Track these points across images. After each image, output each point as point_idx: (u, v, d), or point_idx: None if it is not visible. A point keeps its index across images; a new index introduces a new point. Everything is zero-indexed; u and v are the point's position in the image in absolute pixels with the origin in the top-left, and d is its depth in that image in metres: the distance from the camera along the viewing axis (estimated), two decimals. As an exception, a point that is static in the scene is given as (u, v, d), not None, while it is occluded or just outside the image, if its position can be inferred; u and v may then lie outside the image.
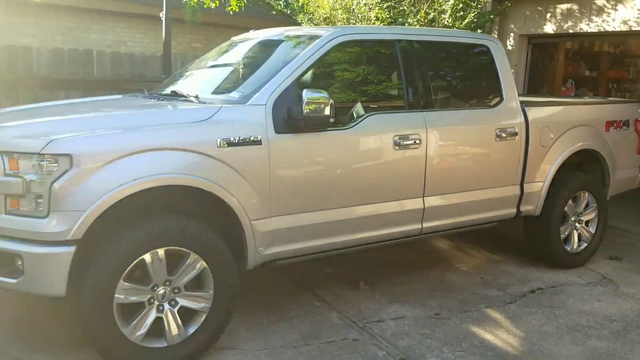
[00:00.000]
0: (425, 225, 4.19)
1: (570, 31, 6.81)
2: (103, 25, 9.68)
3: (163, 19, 6.08)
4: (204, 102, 3.63)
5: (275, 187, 3.46)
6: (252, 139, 3.37)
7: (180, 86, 4.22)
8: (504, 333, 3.85)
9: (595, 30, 6.54)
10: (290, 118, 3.48)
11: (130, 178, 2.99)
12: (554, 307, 4.30)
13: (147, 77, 6.50)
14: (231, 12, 9.10)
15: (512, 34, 7.53)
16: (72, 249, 2.91)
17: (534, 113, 4.76)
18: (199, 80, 4.40)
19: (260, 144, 3.39)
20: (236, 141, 3.31)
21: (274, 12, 8.73)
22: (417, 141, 4.01)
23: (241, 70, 4.14)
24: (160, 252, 3.10)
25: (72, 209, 2.88)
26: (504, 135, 4.49)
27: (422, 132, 4.04)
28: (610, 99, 6.49)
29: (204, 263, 3.23)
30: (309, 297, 4.32)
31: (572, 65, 8.97)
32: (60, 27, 9.40)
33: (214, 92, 3.93)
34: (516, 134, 4.57)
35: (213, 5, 8.91)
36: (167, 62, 5.97)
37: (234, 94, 3.67)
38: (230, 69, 4.29)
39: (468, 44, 4.63)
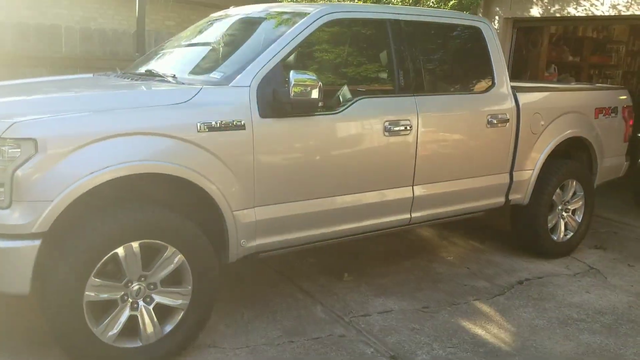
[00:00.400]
0: (414, 215, 4.02)
1: (558, 15, 6.66)
2: (72, 1, 9.20)
3: (136, -8, 5.75)
4: (183, 83, 3.36)
5: (259, 176, 3.24)
6: (235, 123, 3.13)
7: (155, 65, 3.94)
8: (495, 327, 3.71)
9: (583, 14, 6.41)
10: (276, 101, 3.25)
11: (101, 165, 2.73)
12: (544, 300, 4.18)
13: (120, 55, 6.14)
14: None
15: (497, 17, 7.36)
16: (37, 243, 2.65)
17: (525, 99, 4.60)
18: (176, 60, 4.11)
19: (244, 128, 3.16)
20: (218, 125, 3.07)
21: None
22: (408, 127, 3.82)
23: (222, 49, 3.87)
24: (135, 245, 2.86)
25: (36, 199, 2.62)
26: (495, 121, 4.33)
27: (413, 117, 3.85)
28: (598, 85, 6.39)
29: (182, 257, 3.00)
30: (292, 288, 4.12)
31: (556, 50, 8.86)
32: (27, 1, 8.91)
33: (193, 73, 3.65)
34: (507, 120, 4.41)
35: (188, -20, 8.53)
36: (140, 39, 5.63)
37: (215, 75, 3.41)
38: (210, 48, 4.01)
39: (460, 26, 4.43)
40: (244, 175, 3.18)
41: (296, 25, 3.52)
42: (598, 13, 6.31)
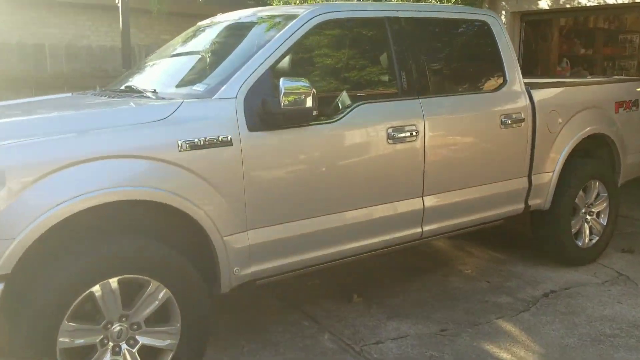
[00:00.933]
0: (425, 228, 3.68)
1: (568, 6, 6.31)
2: (63, 19, 8.96)
3: (120, 5, 5.47)
4: (163, 98, 3.06)
5: (250, 195, 2.92)
6: (220, 139, 2.82)
7: (137, 80, 3.64)
8: (522, 350, 3.35)
9: (595, 3, 6.05)
10: (265, 112, 2.94)
11: (70, 195, 2.43)
12: (572, 314, 3.82)
13: (110, 72, 5.90)
14: (201, 0, 8.50)
15: (503, 12, 7.02)
16: (0, 286, 2.34)
17: (539, 95, 4.25)
18: (159, 73, 3.81)
19: (231, 144, 2.84)
20: (201, 143, 2.76)
21: (250, 1, 8.15)
22: (414, 133, 3.49)
23: (207, 59, 3.57)
24: (113, 282, 2.55)
25: (-3, 237, 2.32)
26: (509, 122, 3.99)
27: (418, 122, 3.52)
28: (616, 77, 6.02)
29: (168, 292, 2.69)
30: (296, 315, 3.79)
31: (567, 43, 8.49)
32: (16, 21, 8.69)
33: (176, 86, 3.36)
34: (522, 119, 4.06)
35: (181, -8, 8.28)
36: (126, 54, 5.35)
37: (198, 87, 3.10)
38: (195, 58, 3.71)
39: (466, 21, 4.10)
40: (233, 196, 2.87)
41: (285, 28, 3.22)
42: (611, 1, 5.95)
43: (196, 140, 2.75)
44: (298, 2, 7.09)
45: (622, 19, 8.66)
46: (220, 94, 2.93)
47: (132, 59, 6.09)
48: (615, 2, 5.91)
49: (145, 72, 3.85)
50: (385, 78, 3.65)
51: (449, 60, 4.07)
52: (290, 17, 3.34)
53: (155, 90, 3.21)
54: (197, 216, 2.75)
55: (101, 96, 3.39)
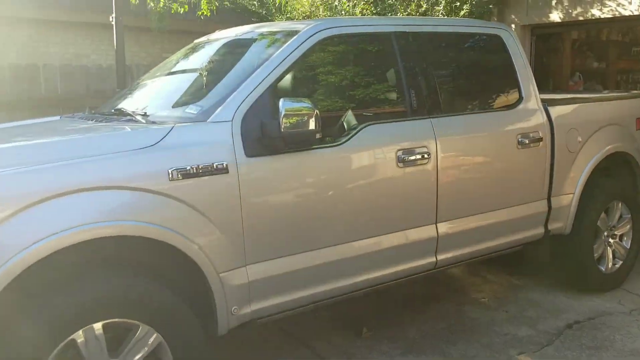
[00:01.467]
0: (440, 257, 3.42)
1: (581, 18, 6.07)
2: (63, 38, 8.80)
3: (113, 23, 5.27)
4: (154, 122, 2.82)
5: (249, 227, 2.67)
6: (215, 166, 2.58)
7: (128, 102, 3.41)
8: (548, 391, 3.07)
9: (609, 15, 5.81)
10: (264, 136, 2.70)
11: (47, 232, 2.19)
12: (600, 348, 3.53)
13: (106, 93, 5.69)
14: (202, 17, 8.31)
15: (513, 25, 6.79)
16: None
17: (557, 113, 4.00)
18: (152, 94, 3.58)
19: (227, 171, 2.60)
20: (194, 171, 2.52)
21: (253, 18, 7.97)
22: (426, 155, 3.24)
23: (203, 78, 3.34)
24: (97, 327, 2.30)
25: (-37, 283, 2.08)
26: (526, 141, 3.73)
27: (430, 143, 3.27)
28: (636, 92, 5.77)
29: (159, 336, 2.44)
30: (302, 351, 3.52)
31: (579, 57, 8.24)
32: (16, 44, 8.52)
33: (169, 108, 3.13)
34: (541, 139, 3.81)
35: (182, 10, 8.11)
36: (120, 73, 5.14)
37: (192, 109, 2.87)
38: (190, 77, 3.48)
39: (478, 35, 3.87)
40: (230, 228, 2.62)
41: (286, 45, 2.99)
42: (627, 13, 5.71)
43: (188, 167, 2.51)
44: (301, 18, 6.91)
45: (636, 31, 8.40)
46: (216, 117, 2.70)
47: (131, 78, 5.90)
48: (631, 14, 5.67)
49: (138, 93, 3.62)
50: (394, 96, 3.42)
51: (461, 77, 3.83)
52: (291, 33, 3.11)
53: (146, 113, 2.98)
54: (190, 251, 2.50)
55: (89, 120, 3.16)
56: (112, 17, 5.35)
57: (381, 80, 3.38)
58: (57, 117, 3.60)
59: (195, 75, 3.43)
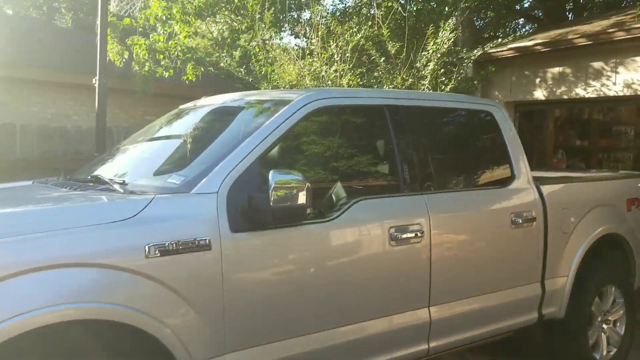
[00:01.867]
0: (432, 344, 3.19)
1: (565, 97, 6.15)
2: (43, 98, 8.66)
3: (96, 85, 5.16)
4: (132, 192, 2.63)
5: (231, 310, 2.44)
6: (197, 242, 2.38)
7: (106, 168, 3.23)
8: None
9: (594, 95, 5.89)
10: (252, 210, 2.52)
11: (5, 315, 1.94)
12: None
13: (84, 155, 5.51)
14: (187, 82, 8.31)
15: (496, 101, 6.85)
16: None
17: (550, 192, 3.90)
18: (132, 161, 3.40)
19: (210, 248, 2.40)
20: (173, 247, 2.31)
21: (237, 85, 7.97)
22: (419, 233, 3.08)
23: (188, 146, 3.18)
24: None
25: None
26: (520, 221, 3.60)
27: (424, 220, 3.12)
28: (624, 172, 5.76)
29: None
30: None
31: (562, 134, 8.34)
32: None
33: (150, 177, 2.94)
34: (534, 218, 3.68)
35: (166, 74, 8.10)
36: (100, 136, 4.97)
37: (174, 179, 2.68)
38: (173, 144, 3.32)
39: (469, 110, 3.81)
40: (210, 311, 2.39)
41: (277, 115, 2.86)
42: (611, 93, 5.78)
43: (167, 243, 2.30)
44: (287, 87, 6.89)
45: (617, 110, 8.58)
46: (200, 188, 2.52)
47: (111, 141, 5.73)
48: (616, 94, 5.74)
49: (117, 159, 3.44)
50: (386, 171, 3.29)
51: (453, 152, 3.75)
52: (281, 103, 2.99)
53: (124, 181, 2.78)
54: (163, 337, 2.26)
55: (62, 187, 2.95)
56: (96, 80, 5.24)
57: (373, 153, 3.26)
58: (29, 182, 3.38)
59: (179, 142, 3.28)
